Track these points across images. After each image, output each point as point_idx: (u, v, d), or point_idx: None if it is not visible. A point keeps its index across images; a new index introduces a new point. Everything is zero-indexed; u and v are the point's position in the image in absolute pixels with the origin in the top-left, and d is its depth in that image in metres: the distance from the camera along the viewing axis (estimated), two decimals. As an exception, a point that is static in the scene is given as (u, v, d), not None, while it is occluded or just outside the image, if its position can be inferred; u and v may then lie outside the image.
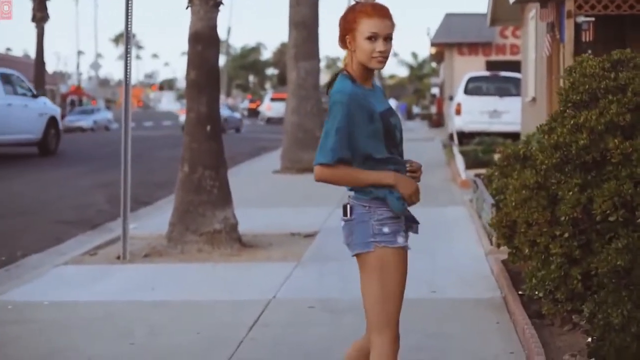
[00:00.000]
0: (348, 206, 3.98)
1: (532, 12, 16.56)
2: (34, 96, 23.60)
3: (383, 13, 3.90)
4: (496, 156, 12.89)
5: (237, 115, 51.25)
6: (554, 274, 5.81)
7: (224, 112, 43.86)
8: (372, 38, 3.86)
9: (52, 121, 23.72)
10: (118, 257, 9.22)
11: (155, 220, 11.70)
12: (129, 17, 9.36)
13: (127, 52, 9.45)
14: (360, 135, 3.86)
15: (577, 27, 11.70)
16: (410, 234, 4.07)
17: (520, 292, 6.82)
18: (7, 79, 22.66)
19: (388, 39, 3.90)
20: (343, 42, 3.96)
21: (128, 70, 9.46)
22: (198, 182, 9.59)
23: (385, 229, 3.89)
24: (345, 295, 7.35)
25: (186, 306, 7.26)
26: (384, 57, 3.90)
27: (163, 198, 14.38)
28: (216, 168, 9.70)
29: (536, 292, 6.04)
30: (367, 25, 3.87)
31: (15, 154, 23.33)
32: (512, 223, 6.43)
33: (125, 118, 9.45)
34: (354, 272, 8.25)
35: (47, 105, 24.31)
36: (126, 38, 9.46)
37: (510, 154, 7.28)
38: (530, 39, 17.69)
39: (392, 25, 3.93)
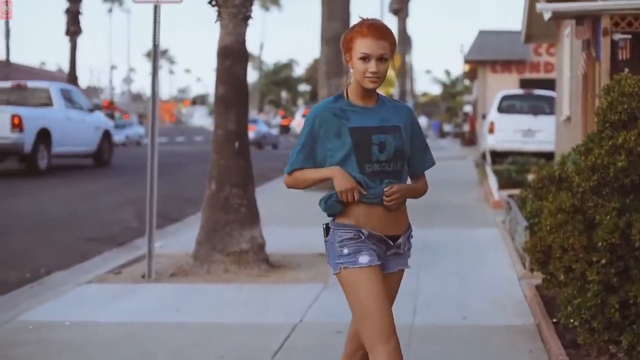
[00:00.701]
0: (324, 226, 4.13)
1: (568, 29, 16.32)
2: (90, 110, 25.34)
3: (378, 34, 3.94)
4: (530, 176, 12.67)
5: (275, 131, 51.68)
6: (590, 302, 5.58)
7: (262, 128, 45.34)
8: (365, 58, 3.94)
9: (106, 134, 25.65)
10: (143, 276, 9.07)
11: (183, 238, 11.55)
12: (157, 31, 9.25)
13: (154, 67, 9.33)
14: (323, 148, 4.05)
15: (614, 45, 11.46)
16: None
17: (554, 320, 6.58)
18: (66, 94, 24.50)
19: (382, 59, 3.95)
20: (346, 60, 4.05)
21: (155, 86, 9.34)
22: (225, 201, 9.42)
23: (345, 250, 3.98)
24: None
25: (210, 328, 7.07)
26: (376, 77, 3.95)
27: (192, 214, 14.25)
28: (244, 186, 9.53)
29: (572, 321, 5.80)
30: (360, 45, 3.94)
31: (67, 165, 24.87)
32: (546, 248, 6.20)
33: (151, 133, 9.33)
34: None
35: (101, 119, 26.17)
36: (154, 53, 9.34)
37: (545, 176, 7.07)
38: (565, 57, 17.44)
39: (388, 46, 3.97)
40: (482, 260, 10.07)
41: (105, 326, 7.13)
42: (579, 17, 12.75)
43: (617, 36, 11.42)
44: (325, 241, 4.09)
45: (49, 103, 23.52)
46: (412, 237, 4.17)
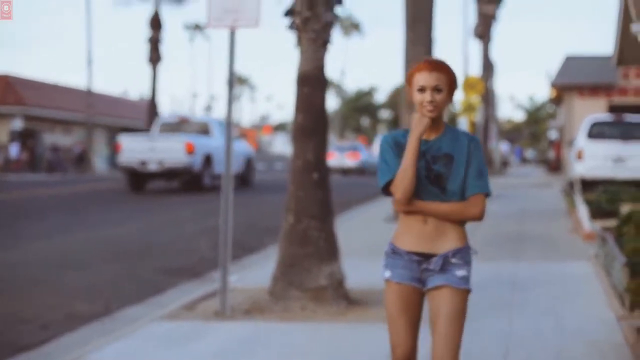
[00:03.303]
0: None
1: (662, 53, 15.62)
2: (237, 139, 30.49)
3: (432, 67, 4.27)
4: (624, 207, 11.98)
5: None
6: None
7: (364, 155, 48.48)
8: (421, 90, 4.27)
9: (250, 159, 30.81)
10: (217, 313, 8.66)
11: (260, 271, 11.17)
12: (232, 56, 8.94)
13: (229, 92, 8.99)
14: (394, 166, 4.34)
15: None
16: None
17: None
18: (220, 126, 29.30)
19: (437, 90, 4.26)
20: (409, 96, 4.36)
21: (230, 113, 9.02)
22: (303, 233, 8.98)
23: (383, 263, 4.47)
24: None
25: (285, 373, 6.61)
26: (433, 106, 4.25)
27: (271, 245, 13.89)
28: (322, 218, 9.08)
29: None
30: (417, 79, 4.29)
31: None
32: (653, 290, 5.65)
33: (226, 164, 8.99)
34: (476, 333, 7.49)
35: (246, 147, 31.05)
36: (229, 78, 9.00)
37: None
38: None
39: (444, 78, 4.27)
40: (575, 297, 9.44)
41: (175, 369, 6.72)
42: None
43: None
44: None
45: (207, 133, 29.12)
46: (452, 259, 4.31)
